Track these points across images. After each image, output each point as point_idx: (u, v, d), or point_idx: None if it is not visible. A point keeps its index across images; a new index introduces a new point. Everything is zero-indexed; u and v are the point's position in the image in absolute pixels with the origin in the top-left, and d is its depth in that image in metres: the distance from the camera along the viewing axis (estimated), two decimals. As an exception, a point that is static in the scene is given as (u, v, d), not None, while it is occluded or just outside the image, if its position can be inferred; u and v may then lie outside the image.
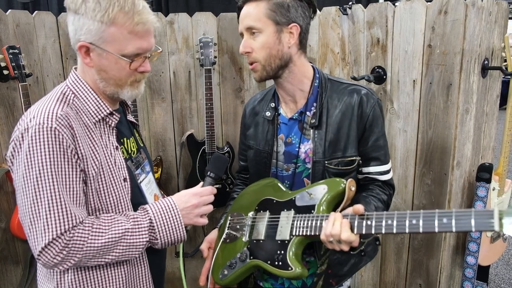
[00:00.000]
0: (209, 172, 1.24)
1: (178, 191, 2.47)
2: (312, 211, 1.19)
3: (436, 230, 0.90)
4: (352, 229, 1.06)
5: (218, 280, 1.32)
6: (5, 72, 1.96)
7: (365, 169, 1.33)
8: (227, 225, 1.38)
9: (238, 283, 1.34)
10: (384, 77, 2.03)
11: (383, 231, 1.00)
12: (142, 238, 1.09)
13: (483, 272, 2.07)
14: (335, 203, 1.20)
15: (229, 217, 1.40)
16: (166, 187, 2.49)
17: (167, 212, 1.13)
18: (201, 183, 1.23)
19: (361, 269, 2.31)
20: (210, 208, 1.20)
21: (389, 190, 1.36)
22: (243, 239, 1.30)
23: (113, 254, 1.07)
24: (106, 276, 1.12)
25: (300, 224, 1.18)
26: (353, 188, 1.17)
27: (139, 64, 1.09)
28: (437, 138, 1.92)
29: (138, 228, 1.09)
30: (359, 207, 1.07)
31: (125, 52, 1.05)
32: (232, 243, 1.33)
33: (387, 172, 1.34)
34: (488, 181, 1.91)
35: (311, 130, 1.30)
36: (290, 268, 1.15)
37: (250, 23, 1.23)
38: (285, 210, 1.25)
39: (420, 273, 2.11)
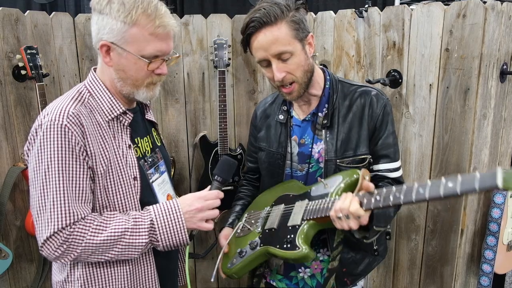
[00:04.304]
0: (216, 176, 1.21)
1: (190, 192, 2.49)
2: (326, 198, 1.20)
3: (442, 194, 0.90)
4: (361, 205, 1.08)
5: (226, 269, 1.33)
6: (23, 72, 1.98)
7: (375, 167, 1.35)
8: (243, 220, 1.41)
9: (249, 281, 1.34)
10: (400, 80, 2.01)
11: (391, 203, 1.01)
12: (142, 238, 1.09)
13: (499, 281, 2.04)
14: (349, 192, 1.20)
15: (246, 214, 1.43)
16: (179, 188, 2.50)
17: (169, 214, 1.12)
18: (209, 186, 1.21)
19: (373, 275, 2.29)
20: (216, 213, 1.17)
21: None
22: (256, 231, 1.32)
23: (112, 252, 1.08)
24: (112, 273, 1.14)
25: (312, 209, 1.20)
26: (367, 177, 1.18)
27: (156, 66, 1.12)
28: (454, 143, 1.89)
29: (138, 228, 1.10)
30: (370, 185, 1.09)
31: (144, 53, 1.09)
32: (244, 236, 1.35)
33: (396, 169, 1.36)
34: (506, 188, 1.87)
35: (323, 131, 1.33)
36: (297, 248, 1.15)
37: (281, 49, 1.19)
38: (300, 200, 1.28)
39: (434, 279, 2.08)
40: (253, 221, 1.36)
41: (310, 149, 1.35)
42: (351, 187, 1.19)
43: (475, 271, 2.07)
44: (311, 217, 1.18)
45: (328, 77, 1.36)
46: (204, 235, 2.59)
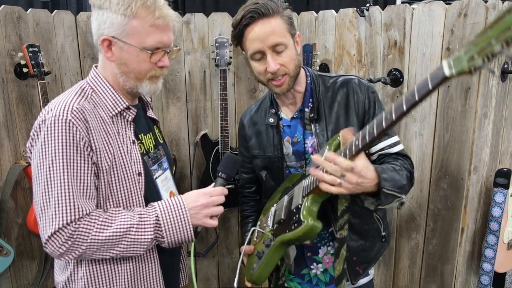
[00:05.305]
0: (220, 173, 1.21)
1: (191, 190, 2.49)
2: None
3: (405, 108, 0.90)
4: (345, 156, 1.07)
5: (250, 277, 1.33)
6: (25, 70, 1.99)
7: (375, 148, 1.34)
8: (257, 227, 1.42)
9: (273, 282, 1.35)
10: (401, 79, 2.01)
11: (368, 140, 1.00)
12: (147, 235, 1.09)
13: (499, 279, 2.04)
14: None
15: (258, 223, 1.44)
16: (180, 186, 2.50)
17: (175, 210, 1.11)
18: (213, 183, 1.21)
19: (374, 273, 2.30)
20: (220, 209, 1.17)
21: (406, 160, 1.34)
22: (268, 230, 1.32)
23: (118, 249, 1.07)
24: (116, 271, 1.14)
25: (308, 184, 1.20)
26: (349, 136, 1.17)
27: (158, 58, 1.13)
28: (454, 142, 1.90)
29: (144, 224, 1.09)
30: (346, 133, 1.11)
31: (145, 45, 1.09)
32: (260, 240, 1.35)
33: (396, 143, 1.34)
34: (506, 186, 1.88)
35: (312, 125, 1.34)
36: (303, 223, 1.15)
37: (278, 40, 1.21)
38: (298, 184, 1.29)
39: (434, 278, 2.08)
40: (265, 225, 1.37)
41: (303, 146, 1.36)
42: (336, 150, 1.19)
43: (475, 269, 2.08)
44: (309, 190, 1.19)
45: (308, 73, 1.38)
46: (205, 233, 2.59)
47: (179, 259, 1.41)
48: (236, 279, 1.33)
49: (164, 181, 1.28)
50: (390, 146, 1.33)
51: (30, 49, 1.94)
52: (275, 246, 1.25)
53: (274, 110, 1.41)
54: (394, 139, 1.34)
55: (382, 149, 1.33)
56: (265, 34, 1.21)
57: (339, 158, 1.07)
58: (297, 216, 1.19)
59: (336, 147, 1.18)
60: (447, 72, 0.79)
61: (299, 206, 1.20)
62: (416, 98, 0.87)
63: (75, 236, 1.03)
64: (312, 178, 1.19)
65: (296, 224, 1.18)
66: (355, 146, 1.05)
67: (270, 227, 1.31)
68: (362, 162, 1.09)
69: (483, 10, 1.70)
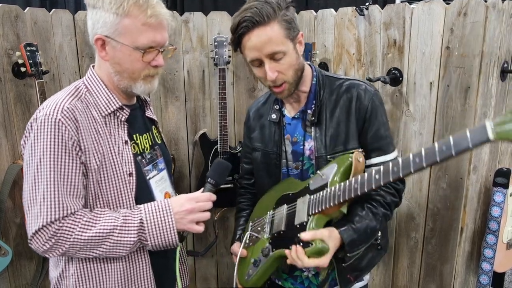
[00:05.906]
0: (209, 179, 1.18)
1: (190, 190, 2.49)
2: (326, 188, 1.18)
3: (438, 159, 0.90)
4: (358, 189, 1.09)
5: (244, 283, 1.32)
6: (23, 69, 1.98)
7: (368, 162, 1.30)
8: (249, 229, 1.40)
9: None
10: (400, 79, 2.00)
11: (391, 178, 1.02)
12: (130, 237, 1.09)
13: (498, 279, 2.04)
14: (347, 177, 1.19)
15: (250, 223, 1.42)
16: (178, 185, 2.50)
17: (159, 214, 1.11)
18: (202, 188, 1.19)
19: (373, 273, 2.30)
20: (207, 215, 1.16)
21: (396, 185, 1.32)
22: (265, 237, 1.31)
23: (100, 249, 1.08)
24: (106, 269, 1.14)
25: (315, 202, 1.18)
26: (361, 159, 1.17)
27: (152, 57, 1.12)
28: (454, 141, 1.89)
29: (127, 226, 1.09)
30: (358, 155, 1.18)
31: (138, 44, 1.09)
32: (255, 245, 1.34)
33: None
34: (506, 186, 1.87)
35: (312, 128, 1.32)
36: (311, 244, 1.13)
37: (275, 49, 1.18)
38: (301, 197, 1.26)
39: (434, 278, 2.08)
40: (259, 228, 1.36)
41: (302, 147, 1.35)
42: (347, 172, 1.18)
43: (474, 269, 2.08)
44: (317, 211, 1.17)
45: (314, 73, 1.35)
46: (204, 233, 2.58)
47: (173, 262, 1.40)
48: (234, 282, 1.32)
49: (159, 181, 1.27)
50: (384, 163, 1.30)
51: (28, 48, 1.93)
52: (273, 258, 1.25)
53: (278, 107, 1.40)
54: (390, 156, 1.30)
55: (376, 164, 1.30)
56: (262, 43, 1.17)
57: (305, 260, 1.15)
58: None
59: (347, 168, 1.17)
60: (491, 136, 0.80)
61: (304, 224, 1.18)
62: (453, 153, 0.88)
63: (58, 234, 1.04)
64: (321, 197, 1.17)
65: (302, 243, 1.16)
66: (375, 180, 1.04)
67: (268, 235, 1.30)
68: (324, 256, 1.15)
69: (483, 9, 1.70)
